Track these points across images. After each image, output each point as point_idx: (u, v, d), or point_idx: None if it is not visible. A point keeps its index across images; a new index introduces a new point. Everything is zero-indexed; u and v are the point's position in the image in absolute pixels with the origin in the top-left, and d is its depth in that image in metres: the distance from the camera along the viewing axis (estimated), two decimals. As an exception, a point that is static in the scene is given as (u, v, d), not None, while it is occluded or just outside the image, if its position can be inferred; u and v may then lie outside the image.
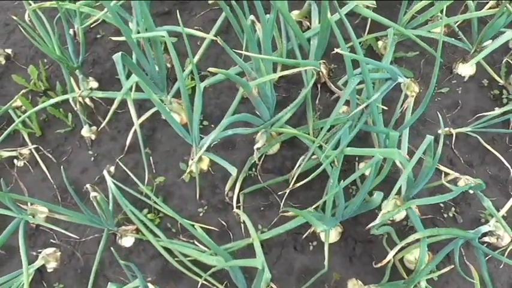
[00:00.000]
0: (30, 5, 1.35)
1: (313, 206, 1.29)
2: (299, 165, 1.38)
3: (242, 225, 1.44)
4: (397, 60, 1.65)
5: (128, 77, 1.41)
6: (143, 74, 1.32)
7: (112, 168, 1.51)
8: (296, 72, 1.54)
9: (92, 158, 1.54)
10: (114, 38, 1.25)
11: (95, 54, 1.65)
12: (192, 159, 1.50)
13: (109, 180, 1.44)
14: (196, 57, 1.52)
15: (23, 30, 1.26)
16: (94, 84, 1.59)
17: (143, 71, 1.37)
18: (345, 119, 1.36)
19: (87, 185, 1.19)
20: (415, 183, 1.22)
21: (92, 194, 1.16)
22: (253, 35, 1.24)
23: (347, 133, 1.27)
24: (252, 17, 1.18)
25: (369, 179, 1.11)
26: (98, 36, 1.68)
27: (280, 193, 1.47)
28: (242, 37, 1.37)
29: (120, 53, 1.19)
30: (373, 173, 1.09)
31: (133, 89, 1.41)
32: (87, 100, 1.44)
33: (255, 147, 1.33)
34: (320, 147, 1.32)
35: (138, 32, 1.36)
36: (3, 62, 1.65)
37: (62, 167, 1.50)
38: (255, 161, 1.47)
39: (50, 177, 1.51)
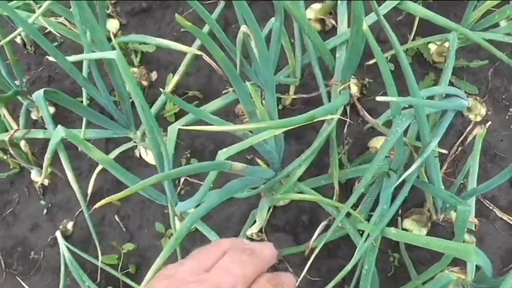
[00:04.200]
0: None
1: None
2: (319, 234, 0.97)
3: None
4: (457, 71, 1.20)
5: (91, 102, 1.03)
6: (91, 111, 0.92)
7: (70, 225, 1.14)
8: (315, 95, 1.13)
9: (45, 210, 1.16)
10: (50, 59, 0.85)
11: (51, 68, 1.26)
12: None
13: (62, 245, 1.07)
14: (175, 78, 1.10)
15: None
16: (49, 110, 1.20)
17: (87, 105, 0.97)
18: (386, 167, 0.94)
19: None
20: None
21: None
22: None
23: (389, 198, 0.86)
24: (244, 28, 0.76)
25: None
26: (55, 44, 1.28)
27: (294, 260, 1.08)
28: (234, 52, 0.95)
29: (42, 90, 0.80)
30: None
31: (84, 124, 1.02)
32: (23, 144, 1.05)
33: (248, 232, 0.93)
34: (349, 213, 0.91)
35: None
36: None
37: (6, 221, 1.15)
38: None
39: (-10, 236, 1.15)
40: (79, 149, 1.13)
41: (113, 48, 0.95)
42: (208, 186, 0.67)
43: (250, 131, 0.76)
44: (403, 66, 0.75)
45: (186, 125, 0.89)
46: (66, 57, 0.82)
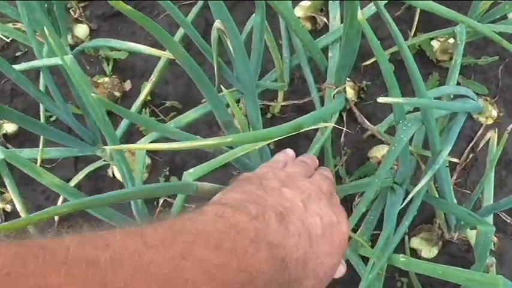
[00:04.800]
0: None
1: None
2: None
3: None
4: (463, 70, 1.08)
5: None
6: (48, 128, 0.80)
7: (36, 255, 1.01)
8: (307, 100, 1.01)
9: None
10: (-1, 69, 0.73)
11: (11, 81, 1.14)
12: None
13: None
14: (148, 87, 0.97)
15: None
16: (11, 127, 1.08)
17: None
18: (390, 181, 0.82)
19: None
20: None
21: None
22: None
23: (395, 218, 0.73)
24: (218, 23, 0.65)
25: None
26: (18, 54, 1.16)
27: None
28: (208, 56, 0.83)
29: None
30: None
31: (42, 143, 0.89)
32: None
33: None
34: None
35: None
36: None
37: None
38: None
39: None
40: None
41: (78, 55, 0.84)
42: (177, 212, 0.55)
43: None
44: (406, 63, 0.64)
45: (156, 140, 0.77)
46: (13, 66, 0.70)
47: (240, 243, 0.33)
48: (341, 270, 0.56)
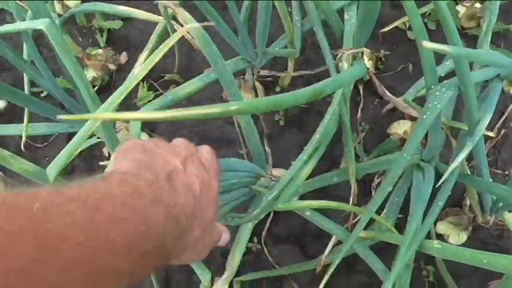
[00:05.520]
0: None
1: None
2: (333, 247, 0.76)
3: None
4: (492, 37, 0.97)
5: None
6: (34, 100, 0.71)
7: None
8: (321, 71, 0.91)
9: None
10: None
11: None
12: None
13: None
14: (142, 58, 0.86)
15: None
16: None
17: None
18: (417, 158, 0.73)
19: None
20: None
21: None
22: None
23: (426, 199, 0.64)
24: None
25: None
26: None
27: (303, 278, 0.87)
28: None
29: None
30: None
31: (26, 119, 0.80)
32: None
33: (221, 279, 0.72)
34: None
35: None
36: None
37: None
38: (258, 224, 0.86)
39: None
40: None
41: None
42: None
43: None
44: (441, 15, 0.54)
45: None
46: None
47: (141, 203, 0.40)
48: (225, 239, 0.60)
